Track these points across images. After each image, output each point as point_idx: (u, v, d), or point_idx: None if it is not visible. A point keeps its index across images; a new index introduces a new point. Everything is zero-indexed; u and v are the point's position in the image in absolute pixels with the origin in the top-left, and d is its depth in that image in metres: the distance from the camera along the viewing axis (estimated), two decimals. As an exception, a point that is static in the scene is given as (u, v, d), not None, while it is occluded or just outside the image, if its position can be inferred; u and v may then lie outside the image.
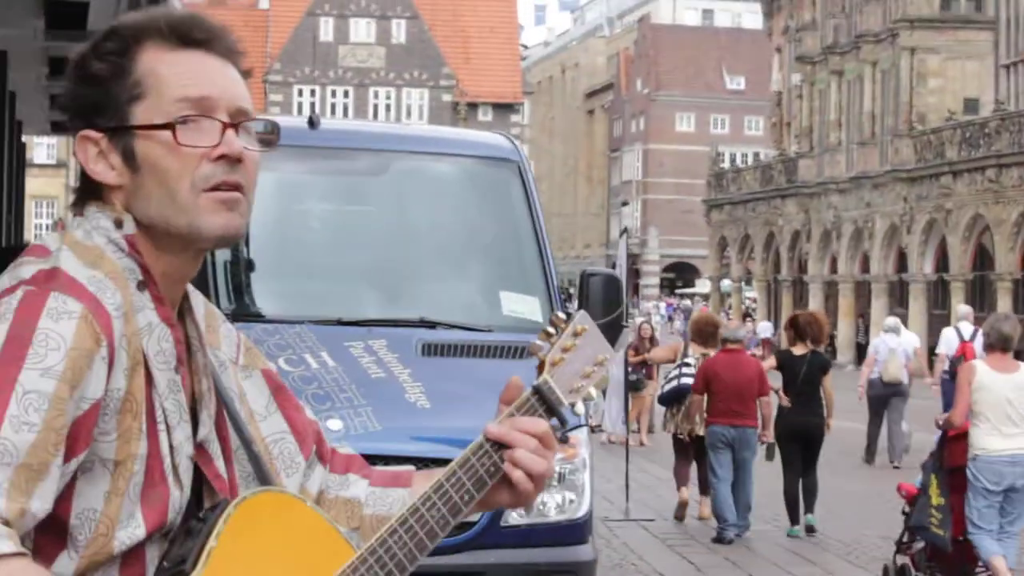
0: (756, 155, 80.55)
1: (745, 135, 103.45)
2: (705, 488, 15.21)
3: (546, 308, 7.64)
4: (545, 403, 2.14)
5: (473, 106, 70.48)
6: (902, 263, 55.84)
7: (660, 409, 17.31)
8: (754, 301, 71.12)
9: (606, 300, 7.66)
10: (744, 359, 14.70)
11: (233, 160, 2.01)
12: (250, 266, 7.42)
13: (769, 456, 14.61)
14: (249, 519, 1.92)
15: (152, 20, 2.03)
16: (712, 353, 15.08)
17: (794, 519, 14.54)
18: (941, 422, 11.22)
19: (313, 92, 70.30)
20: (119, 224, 2.00)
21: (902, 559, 11.43)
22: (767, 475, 15.16)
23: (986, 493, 10.65)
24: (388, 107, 70.01)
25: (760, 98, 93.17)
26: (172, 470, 1.96)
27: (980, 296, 53.21)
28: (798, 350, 14.77)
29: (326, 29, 73.75)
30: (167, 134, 1.99)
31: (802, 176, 64.12)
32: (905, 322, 48.69)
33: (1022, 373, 10.86)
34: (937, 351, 22.70)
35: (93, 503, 1.87)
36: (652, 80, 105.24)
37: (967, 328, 22.07)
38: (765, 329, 54.12)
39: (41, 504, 1.81)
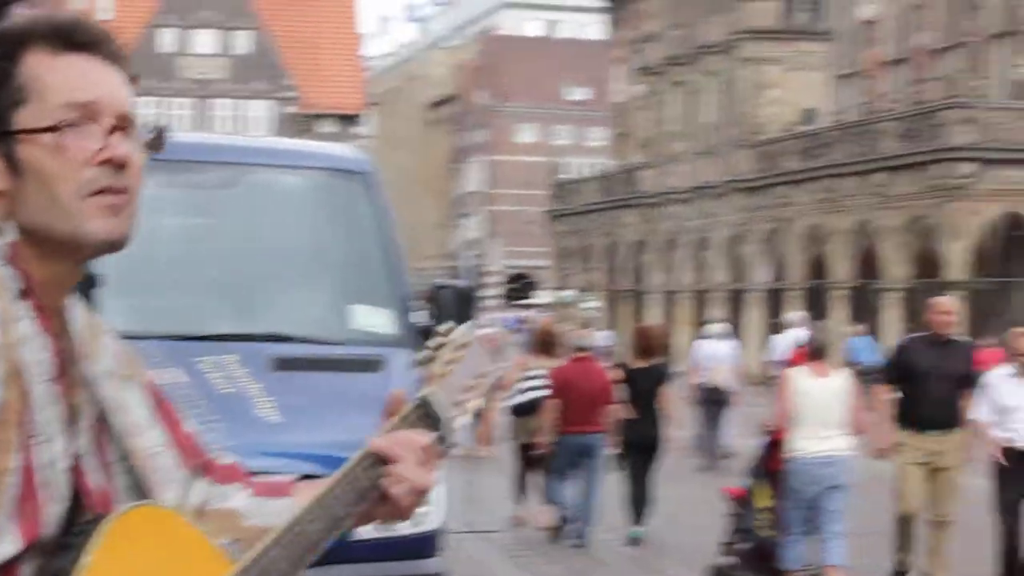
0: (598, 166, 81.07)
1: (587, 146, 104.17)
2: (541, 494, 15.38)
3: (398, 321, 7.63)
4: (429, 416, 2.14)
5: (317, 117, 70.14)
6: (740, 272, 56.57)
7: (502, 420, 17.39)
8: (595, 312, 71.54)
9: (459, 313, 7.67)
10: (594, 368, 14.91)
11: (118, 165, 1.97)
12: (98, 281, 7.31)
13: (616, 466, 14.87)
14: (124, 534, 1.90)
15: (36, 23, 1.99)
16: (555, 363, 15.31)
17: (637, 520, 14.77)
18: (765, 427, 11.99)
19: (154, 104, 69.47)
20: None
21: (728, 560, 11.87)
22: (608, 484, 15.26)
23: (796, 496, 11.33)
24: (230, 119, 69.45)
25: (602, 109, 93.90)
26: (47, 484, 1.92)
27: (816, 305, 54.08)
28: (640, 363, 15.04)
29: (169, 40, 72.97)
30: (50, 137, 1.96)
31: (643, 187, 64.70)
32: (737, 331, 49.41)
33: (839, 378, 11.56)
34: (771, 358, 23.32)
35: None
36: (495, 91, 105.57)
37: (800, 335, 22.68)
38: (606, 338, 54.45)
39: None
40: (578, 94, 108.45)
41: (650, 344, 15.37)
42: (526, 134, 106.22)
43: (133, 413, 2.10)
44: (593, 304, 71.70)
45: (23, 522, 1.88)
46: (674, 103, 63.64)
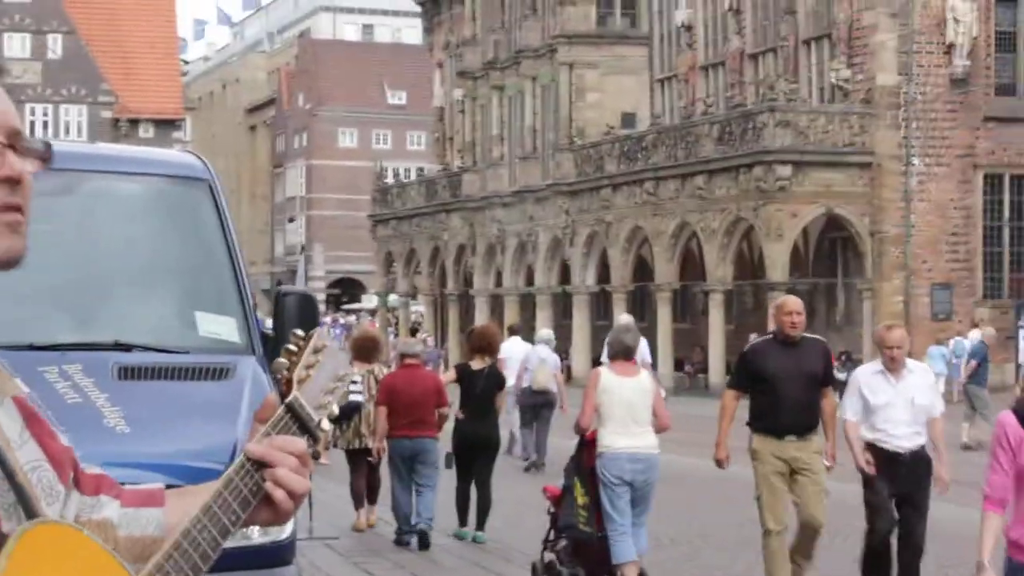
0: (420, 170, 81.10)
1: (408, 150, 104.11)
2: (373, 497, 15.63)
3: (243, 328, 7.57)
4: (298, 420, 2.17)
5: (134, 122, 69.14)
6: (566, 275, 56.98)
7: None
8: (421, 316, 71.59)
9: (301, 319, 7.64)
10: (421, 373, 15.20)
11: (13, 182, 1.95)
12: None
13: (448, 464, 15.07)
14: (30, 552, 1.87)
15: None
16: (375, 369, 15.84)
17: (463, 521, 15.13)
18: (575, 428, 12.18)
19: (-36, 108, 68.01)
20: None
21: (549, 555, 12.21)
22: (446, 487, 15.33)
23: (614, 486, 11.62)
24: (45, 124, 68.18)
25: (422, 113, 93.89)
26: None
27: (641, 306, 54.73)
28: (476, 364, 15.34)
29: (-21, 44, 71.52)
30: None
31: (466, 191, 64.85)
32: (569, 333, 49.75)
33: (643, 378, 12.05)
34: (602, 360, 23.67)
35: None
36: (313, 95, 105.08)
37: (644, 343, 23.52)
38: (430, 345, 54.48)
39: None
40: (397, 98, 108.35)
41: (488, 344, 15.75)
42: (346, 138, 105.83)
43: (7, 429, 2.07)
44: (418, 308, 71.77)
45: None
46: (495, 107, 63.87)
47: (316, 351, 2.22)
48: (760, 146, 43.97)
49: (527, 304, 59.59)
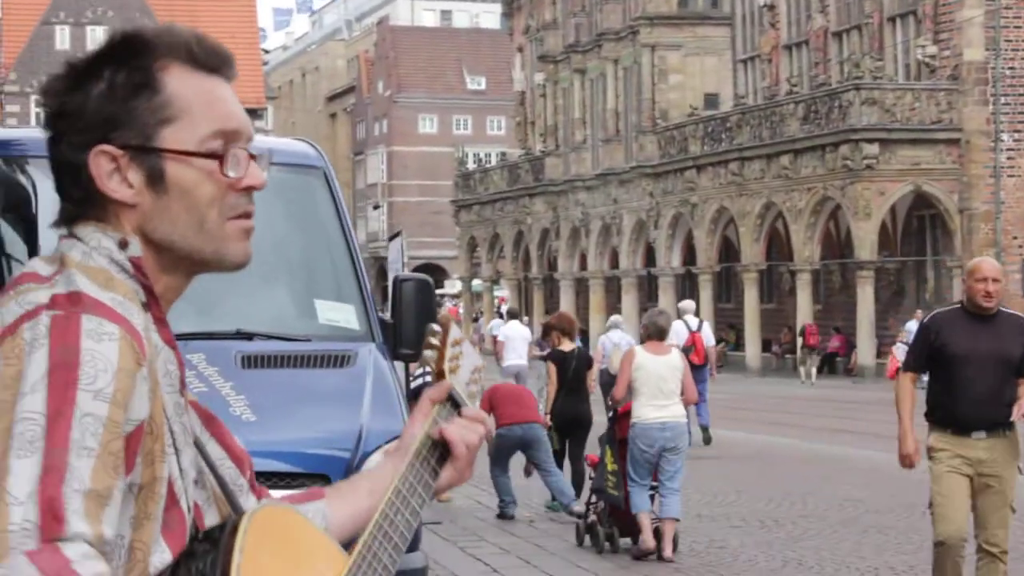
0: (501, 154, 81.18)
1: (488, 135, 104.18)
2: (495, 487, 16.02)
3: (361, 315, 7.60)
4: (455, 405, 2.25)
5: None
6: (650, 257, 56.87)
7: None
8: (504, 301, 71.69)
9: (419, 305, 7.66)
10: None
11: (251, 191, 2.02)
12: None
13: (552, 443, 15.71)
14: (263, 532, 1.93)
15: (179, 38, 1.99)
16: None
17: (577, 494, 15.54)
18: (610, 400, 13.45)
19: (50, 103, 68.63)
20: (123, 245, 1.97)
21: (591, 517, 13.47)
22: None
23: (639, 453, 12.88)
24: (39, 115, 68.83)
25: (502, 98, 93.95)
26: (184, 495, 1.95)
27: (727, 287, 54.58)
28: (566, 347, 16.23)
29: (62, 37, 72.21)
30: (207, 162, 1.98)
31: (549, 174, 64.87)
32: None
33: (673, 356, 13.42)
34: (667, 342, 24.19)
35: (120, 529, 1.83)
36: (393, 82, 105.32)
37: (693, 320, 24.33)
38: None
39: (111, 531, 1.79)
40: (477, 83, 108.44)
41: (574, 327, 16.75)
42: (427, 124, 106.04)
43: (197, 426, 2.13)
44: (502, 293, 71.90)
45: (169, 532, 1.92)
46: (576, 90, 63.83)
47: (455, 344, 2.27)
48: (846, 124, 43.68)
49: (612, 287, 59.56)
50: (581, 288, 62.30)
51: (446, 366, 2.25)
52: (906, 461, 9.39)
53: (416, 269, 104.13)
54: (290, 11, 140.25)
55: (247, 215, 2.01)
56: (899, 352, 34.99)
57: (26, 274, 1.94)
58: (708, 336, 24.37)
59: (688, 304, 26.00)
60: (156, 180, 1.96)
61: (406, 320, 7.62)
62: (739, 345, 51.76)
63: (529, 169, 67.48)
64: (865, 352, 45.01)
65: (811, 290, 47.30)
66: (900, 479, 18.29)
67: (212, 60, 2.01)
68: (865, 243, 43.93)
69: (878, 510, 15.94)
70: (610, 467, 13.16)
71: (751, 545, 13.68)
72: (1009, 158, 43.94)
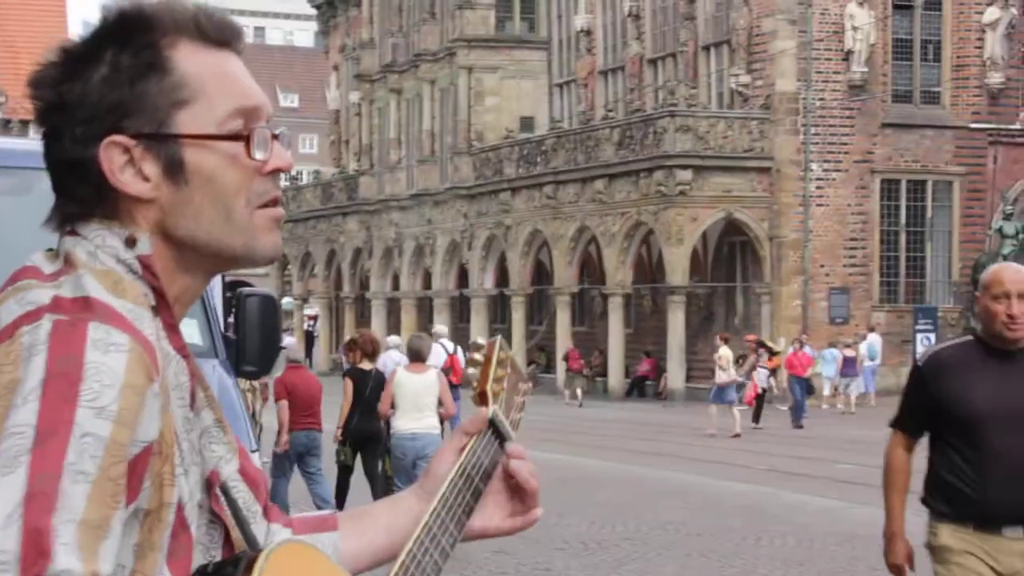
0: (315, 173, 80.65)
1: (301, 153, 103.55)
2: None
3: (204, 330, 7.38)
4: (498, 436, 2.07)
5: (25, 123, 68.20)
6: (463, 279, 56.90)
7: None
8: (314, 320, 71.16)
9: (262, 321, 7.49)
10: (308, 375, 17.66)
11: (279, 173, 1.82)
12: None
13: (345, 459, 16.80)
14: (281, 570, 1.73)
15: (186, 13, 1.78)
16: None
17: (340, 507, 16.04)
18: (380, 414, 15.48)
19: None
20: (131, 242, 1.75)
21: None
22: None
23: (396, 461, 14.94)
24: (-67, 123, 67.15)
25: (315, 116, 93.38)
26: (193, 517, 1.75)
27: (539, 310, 54.79)
28: (366, 365, 17.04)
29: None
30: (228, 145, 1.77)
31: (363, 194, 64.63)
32: (467, 337, 49.75)
33: (430, 374, 15.23)
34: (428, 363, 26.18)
35: (122, 558, 1.62)
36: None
37: (449, 344, 26.39)
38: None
39: (108, 567, 1.57)
40: (290, 100, 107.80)
41: (376, 348, 17.64)
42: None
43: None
44: (312, 311, 71.37)
45: (174, 560, 1.72)
46: (392, 110, 63.71)
47: (500, 363, 2.11)
48: (660, 151, 44.17)
49: (424, 307, 59.47)
50: (393, 308, 62.11)
51: (489, 388, 2.08)
52: (898, 573, 6.25)
53: (226, 286, 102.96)
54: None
55: (276, 202, 1.82)
56: (760, 376, 35.07)
57: (27, 268, 1.73)
58: (462, 359, 25.68)
59: (442, 328, 27.82)
60: (175, 170, 1.76)
61: (249, 336, 7.43)
62: (549, 367, 51.97)
63: (343, 188, 67.17)
64: (675, 376, 45.50)
65: (622, 314, 47.71)
66: (717, 502, 18.49)
67: (222, 33, 1.81)
68: (677, 268, 44.43)
69: (699, 533, 16.06)
70: (389, 473, 15.43)
71: (576, 568, 13.67)
72: (818, 187, 44.80)
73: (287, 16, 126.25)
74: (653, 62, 51.71)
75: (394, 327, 59.25)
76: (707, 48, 48.82)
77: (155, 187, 1.76)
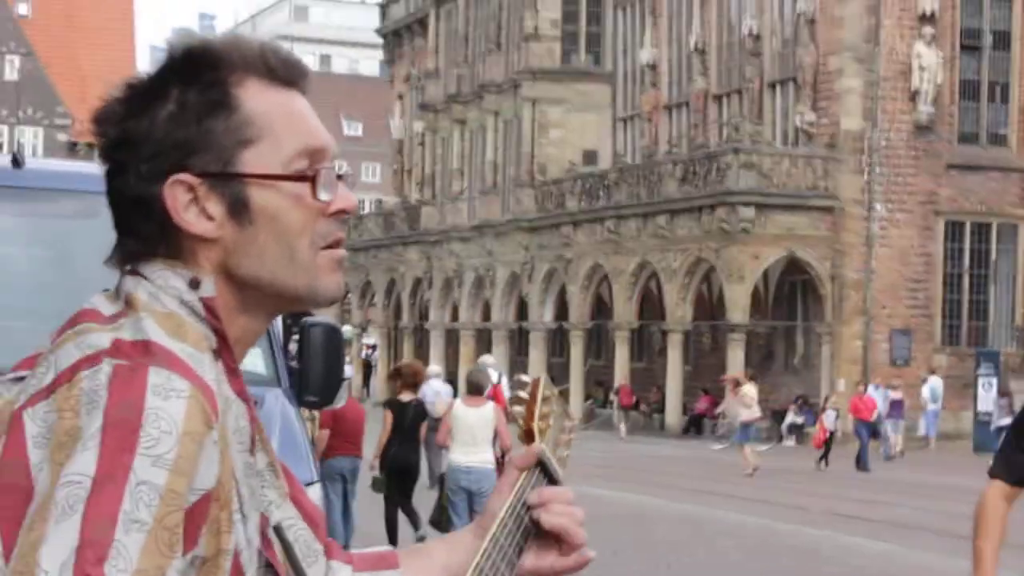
0: (377, 202, 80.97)
1: (364, 182, 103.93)
2: None
3: (268, 358, 7.35)
4: (547, 474, 2.03)
5: (92, 146, 68.79)
6: (523, 311, 56.83)
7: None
8: (372, 348, 71.27)
9: (326, 351, 7.48)
10: (353, 403, 17.49)
11: (343, 215, 1.79)
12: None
13: (378, 488, 16.79)
14: None
15: (255, 51, 1.76)
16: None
17: (392, 541, 16.26)
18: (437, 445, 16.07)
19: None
20: (195, 284, 1.72)
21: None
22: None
23: (452, 493, 15.03)
24: (1, 145, 67.76)
25: (378, 144, 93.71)
26: (250, 565, 1.71)
27: (598, 344, 54.64)
28: (405, 396, 17.05)
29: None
30: (294, 185, 1.74)
31: (424, 224, 64.73)
32: (526, 369, 49.64)
33: (487, 408, 15.22)
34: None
35: None
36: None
37: (493, 374, 25.93)
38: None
39: None
40: (354, 129, 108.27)
41: (418, 378, 17.79)
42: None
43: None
44: (370, 340, 71.49)
45: None
46: (455, 141, 63.83)
47: (545, 400, 2.07)
48: (723, 187, 44.01)
49: (482, 339, 59.42)
50: (452, 339, 62.11)
51: (535, 425, 2.04)
52: None
53: (286, 315, 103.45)
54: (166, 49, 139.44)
55: (339, 243, 1.79)
56: (828, 418, 34.73)
57: (86, 311, 1.70)
58: (506, 388, 25.63)
59: (488, 359, 27.59)
60: (240, 209, 1.73)
61: (313, 366, 7.46)
62: (607, 403, 51.81)
63: (404, 217, 67.30)
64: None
65: (682, 351, 47.52)
66: (780, 545, 18.27)
67: (289, 72, 1.78)
68: (737, 306, 44.22)
69: (753, 573, 15.87)
70: (443, 502, 15.46)
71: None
72: (882, 228, 44.51)
73: (353, 44, 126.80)
74: (718, 98, 51.60)
75: (452, 358, 59.29)
76: (773, 85, 48.67)
77: (219, 226, 1.73)
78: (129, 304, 1.69)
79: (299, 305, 1.81)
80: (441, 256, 62.91)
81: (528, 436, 2.04)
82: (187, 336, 1.66)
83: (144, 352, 1.61)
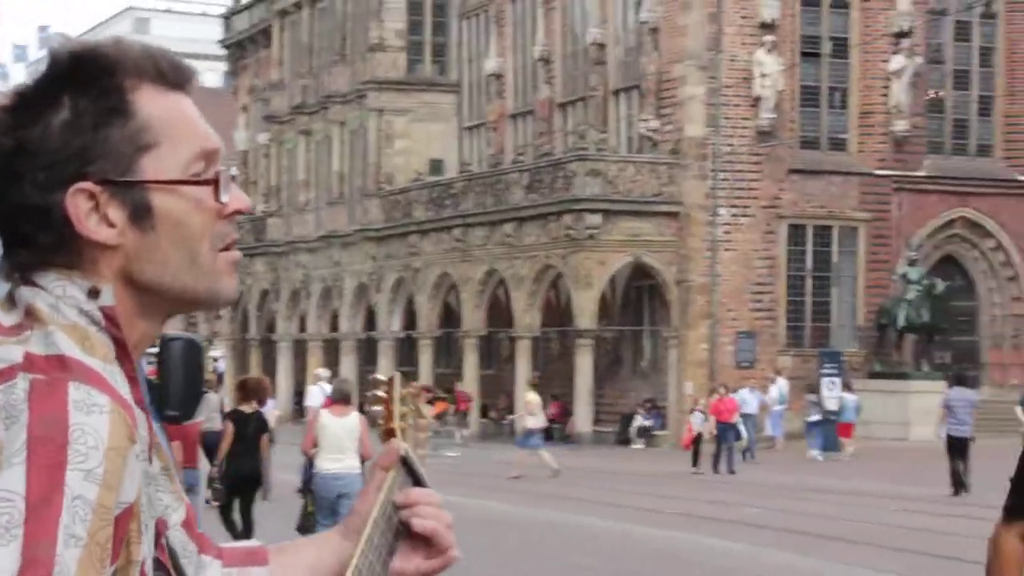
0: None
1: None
2: None
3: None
4: (411, 473, 2.04)
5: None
6: (371, 321, 56.69)
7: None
8: (215, 360, 70.51)
9: (186, 365, 7.43)
10: None
11: (235, 216, 1.79)
12: None
13: (217, 498, 17.23)
14: None
15: (146, 55, 1.75)
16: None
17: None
18: (303, 453, 16.44)
19: None
20: (94, 294, 1.70)
21: None
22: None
23: (320, 499, 15.68)
24: None
25: (223, 156, 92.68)
26: (150, 573, 1.70)
27: (447, 352, 54.68)
28: (247, 408, 17.39)
29: None
30: (194, 190, 1.74)
31: (271, 235, 64.32)
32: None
33: (352, 418, 15.66)
34: (306, 404, 27.23)
35: None
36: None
37: (326, 387, 27.34)
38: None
39: None
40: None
41: (260, 391, 18.07)
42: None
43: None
44: (217, 353, 70.73)
45: None
46: (301, 152, 63.51)
47: (402, 400, 2.09)
48: (570, 194, 44.29)
49: (331, 350, 59.18)
50: (300, 350, 61.77)
51: (396, 425, 2.05)
52: None
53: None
54: (5, 62, 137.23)
55: (234, 243, 1.79)
56: (696, 420, 35.05)
57: None
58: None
59: (323, 371, 28.82)
60: (142, 216, 1.72)
61: (173, 381, 7.39)
62: (456, 411, 51.80)
63: (250, 229, 66.76)
64: (583, 419, 45.51)
65: (530, 357, 47.70)
66: (623, 547, 18.44)
67: (178, 75, 1.77)
68: (585, 312, 44.50)
69: (610, 576, 16.00)
70: (309, 509, 16.21)
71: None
72: (726, 232, 45.07)
73: (196, 56, 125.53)
74: (563, 106, 51.94)
75: (300, 370, 58.95)
76: (617, 93, 49.11)
77: (120, 233, 1.72)
78: (31, 315, 1.67)
79: (198, 308, 1.82)
80: (288, 267, 62.57)
81: (388, 436, 2.05)
82: (95, 350, 1.65)
83: (60, 367, 1.60)
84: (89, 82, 1.71)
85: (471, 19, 57.14)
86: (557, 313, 48.74)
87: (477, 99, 56.98)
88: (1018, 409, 29.33)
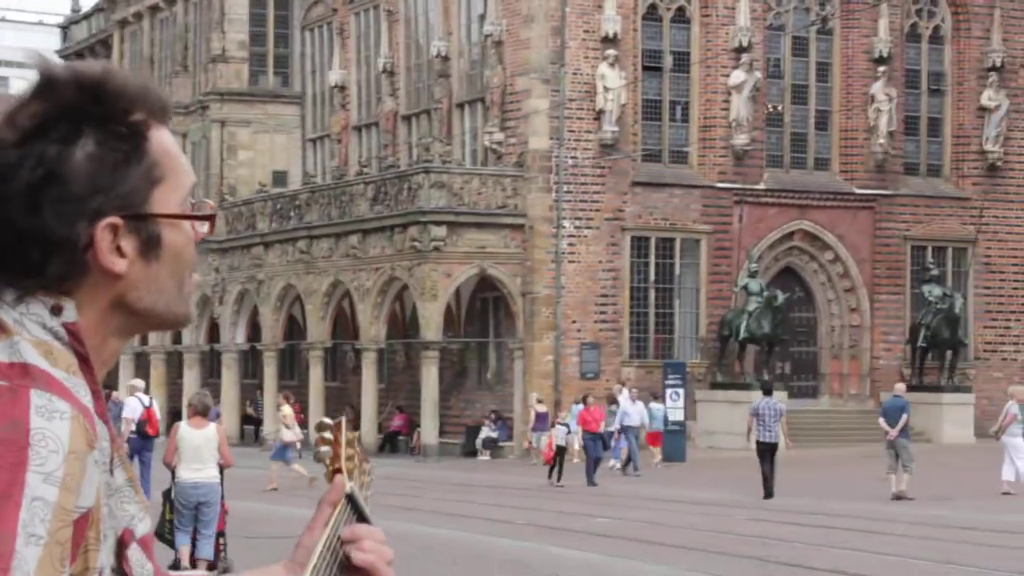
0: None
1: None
2: None
3: None
4: (357, 511, 2.08)
5: None
6: (214, 334, 56.20)
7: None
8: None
9: None
10: None
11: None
12: None
13: None
14: None
15: (149, 90, 1.80)
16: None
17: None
18: (165, 463, 17.05)
19: None
20: (57, 311, 1.75)
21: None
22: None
23: (180, 507, 16.42)
24: None
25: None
26: None
27: (292, 365, 54.40)
28: None
29: None
30: (187, 222, 1.82)
31: (111, 247, 63.50)
32: (218, 392, 49.11)
33: (210, 429, 16.54)
34: (123, 416, 26.93)
35: None
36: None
37: (144, 397, 27.92)
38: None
39: None
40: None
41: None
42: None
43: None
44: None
45: None
46: (142, 162, 62.86)
47: (349, 443, 2.13)
48: (415, 206, 44.37)
49: (174, 362, 58.55)
50: (142, 362, 60.99)
51: (343, 465, 2.10)
52: None
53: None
54: None
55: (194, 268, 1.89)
56: (559, 433, 34.60)
57: None
58: (158, 411, 27.86)
59: (138, 382, 28.68)
60: (152, 247, 1.79)
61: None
62: (303, 423, 51.50)
63: (90, 241, 65.95)
64: (429, 431, 45.56)
65: (376, 369, 47.66)
66: (476, 556, 18.58)
67: (166, 109, 1.84)
68: (431, 324, 44.58)
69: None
70: (167, 516, 16.67)
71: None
72: (570, 244, 45.42)
73: (24, 65, 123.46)
74: (407, 118, 52.02)
75: (144, 381, 58.15)
76: (461, 105, 49.30)
77: (130, 263, 1.78)
78: (0, 328, 1.72)
79: (164, 328, 1.90)
80: (129, 280, 61.77)
81: (336, 474, 2.10)
82: (59, 362, 1.70)
83: (23, 374, 1.66)
84: (111, 118, 1.76)
85: (314, 31, 57.02)
86: (403, 325, 48.78)
87: (321, 111, 56.86)
88: (881, 420, 30.04)
